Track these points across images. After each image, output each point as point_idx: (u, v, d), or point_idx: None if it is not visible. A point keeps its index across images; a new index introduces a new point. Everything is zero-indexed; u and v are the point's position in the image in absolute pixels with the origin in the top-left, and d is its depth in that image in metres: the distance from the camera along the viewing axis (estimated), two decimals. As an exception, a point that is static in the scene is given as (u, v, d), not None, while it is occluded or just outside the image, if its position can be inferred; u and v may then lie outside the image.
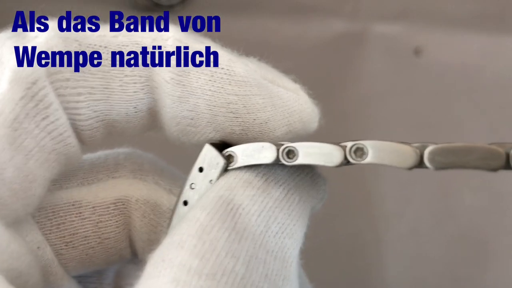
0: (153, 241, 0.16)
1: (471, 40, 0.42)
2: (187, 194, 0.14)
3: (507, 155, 0.12)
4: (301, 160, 0.13)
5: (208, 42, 0.15)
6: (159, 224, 0.16)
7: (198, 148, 0.15)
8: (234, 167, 0.14)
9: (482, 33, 0.42)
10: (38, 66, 0.13)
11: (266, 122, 0.15)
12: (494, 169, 0.12)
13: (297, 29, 0.44)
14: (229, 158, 0.14)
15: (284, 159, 0.13)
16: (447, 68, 0.41)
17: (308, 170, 0.15)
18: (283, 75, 0.16)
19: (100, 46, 0.14)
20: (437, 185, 0.37)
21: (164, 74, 0.14)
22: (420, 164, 0.12)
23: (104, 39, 0.14)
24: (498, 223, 0.35)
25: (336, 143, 0.13)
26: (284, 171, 0.14)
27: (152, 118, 0.15)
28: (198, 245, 0.12)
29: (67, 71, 0.13)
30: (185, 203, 0.14)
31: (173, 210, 0.15)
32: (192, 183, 0.14)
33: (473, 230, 0.35)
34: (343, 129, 0.39)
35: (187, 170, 0.15)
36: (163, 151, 0.18)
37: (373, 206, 0.36)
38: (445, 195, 0.37)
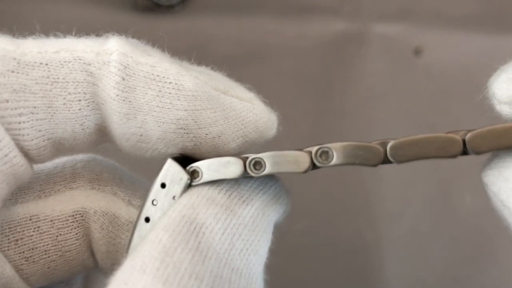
0: (111, 253, 0.16)
1: (471, 40, 0.42)
2: (148, 210, 0.14)
3: (464, 141, 0.12)
4: (269, 170, 0.13)
5: (156, 54, 0.14)
6: (118, 236, 0.16)
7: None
8: (199, 182, 0.14)
9: (482, 33, 0.42)
10: None
11: (219, 136, 0.14)
12: (454, 156, 0.12)
13: (297, 29, 0.44)
14: (193, 174, 0.14)
15: (251, 171, 0.13)
16: (447, 68, 0.41)
17: (271, 184, 0.15)
18: (237, 84, 0.15)
19: (41, 63, 0.13)
20: (437, 185, 0.37)
21: (109, 91, 0.14)
22: (385, 160, 0.13)
23: (45, 56, 0.13)
24: (498, 223, 0.35)
25: (301, 149, 0.13)
26: (247, 186, 0.14)
27: (101, 133, 0.15)
28: (161, 268, 0.11)
29: (6, 92, 0.13)
30: (147, 219, 0.14)
31: (134, 227, 0.14)
32: (154, 199, 0.14)
33: (473, 230, 0.35)
34: (343, 129, 0.39)
35: (151, 173, 0.14)
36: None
37: (373, 206, 0.36)
38: (445, 195, 0.36)
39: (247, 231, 0.13)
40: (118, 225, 0.16)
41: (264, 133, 0.15)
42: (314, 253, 0.35)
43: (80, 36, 0.15)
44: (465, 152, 0.12)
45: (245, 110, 0.15)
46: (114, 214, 0.16)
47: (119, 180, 0.17)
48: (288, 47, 0.43)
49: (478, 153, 0.12)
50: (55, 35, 0.15)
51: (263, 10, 0.45)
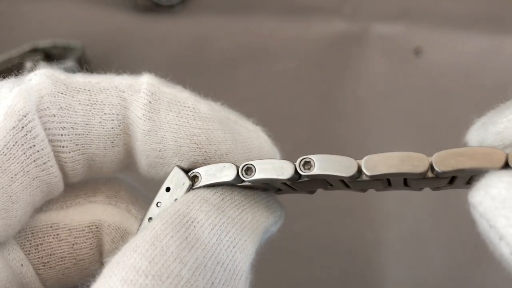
0: None
1: (471, 40, 0.42)
2: (152, 211, 0.15)
3: (430, 162, 0.13)
4: (257, 175, 0.15)
5: (178, 87, 0.16)
6: None
7: None
8: (198, 186, 0.15)
9: (482, 33, 0.42)
10: (29, 103, 0.15)
11: (227, 154, 0.16)
12: (422, 174, 0.13)
13: (297, 29, 0.44)
14: (194, 179, 0.15)
15: (243, 175, 0.15)
16: (447, 68, 0.41)
17: (264, 196, 0.16)
18: (245, 118, 0.17)
19: (85, 89, 0.16)
20: (437, 185, 0.37)
21: (137, 112, 0.16)
22: (359, 173, 0.14)
23: (89, 84, 0.16)
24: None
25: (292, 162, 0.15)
26: (241, 193, 0.16)
27: (127, 154, 0.17)
28: (149, 250, 0.13)
29: (54, 108, 0.15)
30: (150, 219, 0.15)
31: (139, 226, 0.16)
32: (158, 202, 0.16)
33: (473, 230, 0.35)
34: (343, 129, 0.39)
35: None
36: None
37: (373, 207, 0.36)
38: (445, 195, 0.36)
39: (235, 230, 0.14)
40: (129, 241, 0.17)
41: None
42: (313, 254, 0.35)
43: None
44: (433, 172, 0.13)
45: (251, 137, 0.17)
46: (125, 230, 0.17)
47: (135, 199, 0.18)
48: (288, 47, 0.43)
49: (443, 172, 0.13)
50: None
51: (263, 10, 0.45)
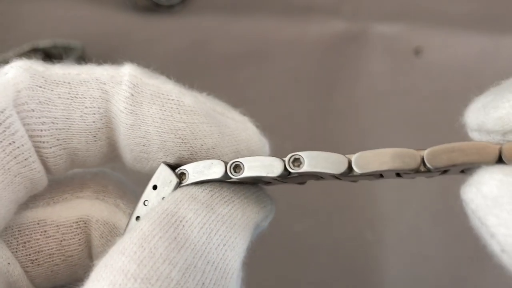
0: None
1: (471, 40, 0.42)
2: (140, 210, 0.15)
3: (422, 158, 0.13)
4: (246, 173, 0.14)
5: (162, 78, 0.16)
6: None
7: None
8: (185, 184, 0.15)
9: (482, 33, 0.42)
10: (6, 98, 0.14)
11: (213, 148, 0.16)
12: (414, 170, 0.13)
13: (297, 29, 0.44)
14: (181, 176, 0.15)
15: (231, 173, 0.14)
16: (447, 68, 0.41)
17: (254, 190, 0.16)
18: (232, 108, 0.17)
19: (64, 82, 0.15)
20: (436, 184, 0.37)
21: (119, 105, 0.15)
22: (350, 170, 0.13)
23: (68, 77, 0.15)
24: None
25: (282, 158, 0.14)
26: (230, 189, 0.15)
27: (111, 147, 0.16)
28: (138, 252, 0.12)
29: (33, 103, 0.15)
30: (138, 218, 0.15)
31: (126, 225, 0.15)
32: (145, 200, 0.15)
33: (473, 230, 0.35)
34: (343, 129, 0.39)
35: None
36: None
37: (372, 206, 0.36)
38: (445, 194, 0.36)
39: (225, 227, 0.14)
40: (117, 235, 0.17)
41: (255, 153, 0.17)
42: (313, 254, 0.35)
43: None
44: (425, 167, 0.13)
45: (238, 129, 0.16)
46: (114, 225, 0.17)
47: (123, 193, 0.18)
48: (288, 47, 0.43)
49: (436, 168, 0.13)
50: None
51: (263, 10, 0.45)
